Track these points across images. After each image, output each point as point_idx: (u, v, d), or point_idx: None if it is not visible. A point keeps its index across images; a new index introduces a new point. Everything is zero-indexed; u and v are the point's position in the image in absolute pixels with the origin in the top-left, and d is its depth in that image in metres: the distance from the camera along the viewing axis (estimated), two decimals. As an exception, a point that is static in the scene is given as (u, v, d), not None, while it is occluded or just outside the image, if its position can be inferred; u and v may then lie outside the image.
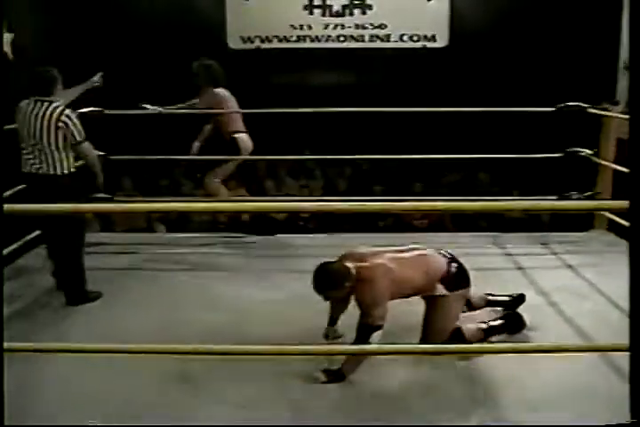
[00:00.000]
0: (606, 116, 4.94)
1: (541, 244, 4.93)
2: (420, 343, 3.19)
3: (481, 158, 5.46)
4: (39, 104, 3.75)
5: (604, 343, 3.00)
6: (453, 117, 5.62)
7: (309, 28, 6.51)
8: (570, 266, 4.45)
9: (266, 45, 6.52)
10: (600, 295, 3.90)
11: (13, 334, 3.12)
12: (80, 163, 4.00)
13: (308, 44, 6.56)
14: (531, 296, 3.85)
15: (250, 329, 3.40)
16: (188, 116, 5.13)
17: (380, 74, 6.77)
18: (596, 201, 4.45)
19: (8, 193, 4.00)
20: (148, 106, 4.97)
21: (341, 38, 6.57)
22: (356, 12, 6.53)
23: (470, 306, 3.43)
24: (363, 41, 6.58)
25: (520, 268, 4.42)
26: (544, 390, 2.87)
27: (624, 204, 1.65)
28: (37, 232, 4.33)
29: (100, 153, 5.02)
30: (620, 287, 1.83)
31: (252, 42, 6.52)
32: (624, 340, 1.69)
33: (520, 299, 3.56)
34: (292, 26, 6.49)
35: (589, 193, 5.00)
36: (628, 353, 1.63)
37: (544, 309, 3.74)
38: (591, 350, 2.79)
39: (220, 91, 4.96)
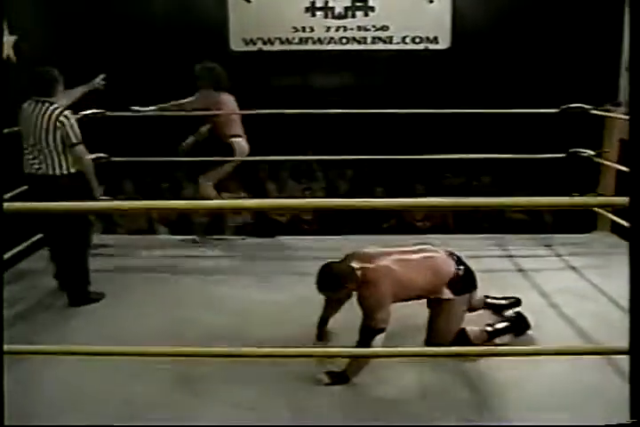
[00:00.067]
0: (609, 117, 4.94)
1: (544, 245, 4.93)
2: (425, 345, 3.18)
3: (483, 160, 5.45)
4: (39, 104, 3.76)
5: (605, 346, 3.00)
6: (456, 119, 5.60)
7: (312, 30, 6.51)
8: (573, 268, 4.45)
9: (268, 47, 6.52)
10: (603, 297, 3.89)
11: (16, 336, 3.14)
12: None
13: (310, 46, 6.55)
14: (534, 298, 3.85)
15: (252, 330, 3.40)
16: (190, 119, 5.13)
17: (383, 76, 6.75)
18: (596, 198, 4.43)
19: (9, 195, 4.00)
20: (140, 108, 4.95)
21: (344, 40, 6.56)
22: (359, 14, 6.52)
23: (469, 307, 3.41)
24: (365, 43, 6.57)
25: (523, 269, 4.42)
26: (546, 390, 2.87)
27: (624, 200, 1.65)
28: (40, 235, 4.33)
29: (102, 155, 5.06)
30: (623, 289, 1.82)
31: (255, 44, 6.51)
32: (627, 341, 1.68)
33: (516, 304, 3.54)
34: (294, 28, 6.49)
35: (592, 194, 5.00)
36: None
37: (547, 310, 3.73)
38: (591, 353, 2.78)
39: (221, 93, 4.95)
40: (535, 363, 2.89)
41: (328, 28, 6.51)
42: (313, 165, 6.92)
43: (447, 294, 3.13)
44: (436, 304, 3.19)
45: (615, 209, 4.42)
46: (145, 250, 4.93)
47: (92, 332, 3.45)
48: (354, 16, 6.51)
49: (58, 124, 3.71)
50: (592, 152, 5.00)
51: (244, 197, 5.82)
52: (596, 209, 4.90)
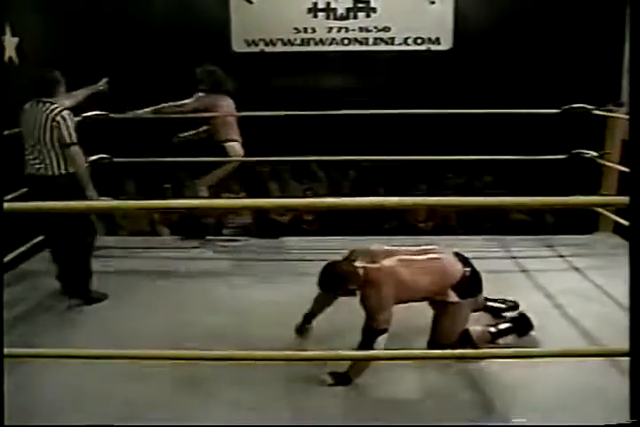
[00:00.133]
0: (611, 117, 4.93)
1: (547, 246, 4.92)
2: (428, 346, 3.17)
3: (485, 160, 5.45)
4: (40, 105, 3.77)
5: (605, 348, 2.99)
6: (458, 120, 5.60)
7: (313, 31, 6.51)
8: (576, 268, 4.44)
9: (270, 48, 6.52)
10: (606, 298, 3.88)
11: (17, 338, 3.15)
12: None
13: (312, 48, 6.55)
14: (537, 299, 3.85)
15: (252, 331, 3.40)
16: (192, 121, 5.12)
17: (385, 76, 6.75)
18: (596, 197, 4.42)
19: (11, 196, 4.00)
20: (136, 111, 4.94)
21: (345, 41, 6.56)
22: (360, 15, 6.53)
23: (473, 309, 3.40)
24: (367, 44, 6.57)
25: (526, 270, 4.41)
26: (549, 391, 2.87)
27: (624, 199, 1.64)
28: (42, 236, 4.33)
29: (105, 156, 5.06)
30: (626, 290, 1.82)
31: (256, 45, 6.52)
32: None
33: (515, 307, 3.53)
34: (296, 29, 6.49)
35: (594, 195, 4.98)
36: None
37: (550, 311, 3.73)
38: (592, 355, 2.78)
39: (220, 96, 4.94)
40: (539, 364, 2.88)
41: (330, 29, 6.51)
42: (314, 166, 6.92)
43: (453, 297, 3.10)
44: (441, 306, 3.17)
45: (617, 209, 4.41)
46: (147, 251, 4.93)
47: (93, 333, 3.45)
48: (356, 17, 6.51)
49: (54, 123, 3.71)
50: (594, 153, 4.99)
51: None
52: (598, 210, 4.89)
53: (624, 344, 1.76)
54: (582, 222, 5.18)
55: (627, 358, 1.70)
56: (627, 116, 4.63)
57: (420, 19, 6.43)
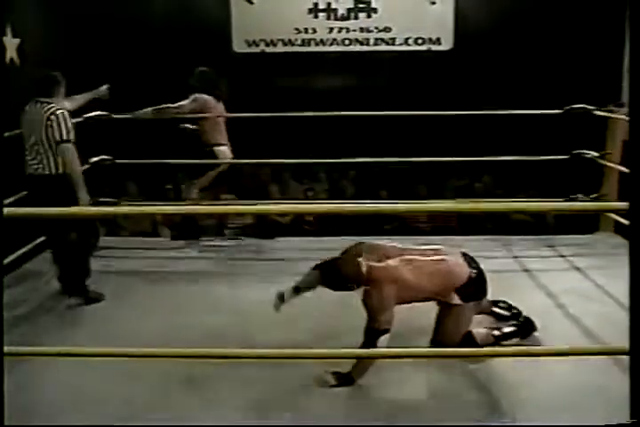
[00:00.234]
0: (612, 118, 4.93)
1: (548, 246, 4.92)
2: (431, 344, 3.16)
3: (486, 161, 5.45)
4: (38, 105, 3.78)
5: (606, 346, 2.99)
6: (459, 120, 5.60)
7: (314, 31, 6.52)
8: (577, 268, 4.44)
9: (270, 49, 6.52)
10: (607, 297, 3.88)
11: (18, 338, 3.15)
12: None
13: (313, 48, 6.56)
14: (539, 299, 3.85)
15: (253, 331, 3.40)
16: (191, 121, 5.13)
17: (385, 77, 6.76)
18: (596, 202, 4.42)
19: (13, 198, 4.00)
20: (136, 112, 4.94)
21: (346, 42, 6.57)
22: (361, 15, 6.53)
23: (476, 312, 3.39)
24: (368, 44, 6.58)
25: (527, 270, 4.41)
26: (552, 391, 2.86)
27: (624, 205, 1.64)
28: (43, 237, 4.33)
29: (106, 157, 5.06)
30: (627, 289, 1.82)
31: (257, 45, 6.52)
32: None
33: (517, 315, 3.51)
34: (296, 29, 6.50)
35: (595, 195, 4.99)
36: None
37: (552, 311, 3.73)
38: (592, 354, 2.77)
39: (209, 98, 4.94)
40: (541, 363, 2.88)
41: (331, 30, 6.52)
42: (315, 167, 6.92)
43: (455, 299, 3.08)
44: (444, 306, 3.16)
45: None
46: (148, 252, 4.93)
47: (94, 333, 3.45)
48: (356, 17, 6.52)
49: (49, 122, 3.71)
50: (595, 153, 4.99)
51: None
52: (600, 210, 4.88)
53: (625, 344, 1.76)
54: (583, 222, 5.17)
55: (627, 357, 1.69)
56: (627, 117, 4.63)
57: (421, 19, 6.44)
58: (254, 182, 6.55)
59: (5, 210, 1.76)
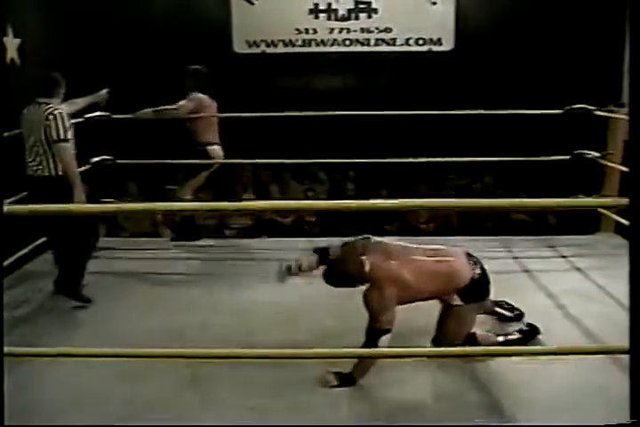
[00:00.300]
0: (613, 118, 4.93)
1: (548, 247, 4.91)
2: (432, 343, 3.15)
3: (487, 161, 5.44)
4: (37, 105, 3.78)
5: (606, 346, 2.99)
6: (459, 120, 5.60)
7: (315, 32, 6.52)
8: (578, 269, 4.43)
9: (271, 49, 6.52)
10: (608, 298, 3.88)
11: (18, 338, 3.15)
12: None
13: (313, 48, 6.56)
14: (540, 299, 3.85)
15: (253, 331, 3.40)
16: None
17: (386, 77, 6.76)
18: (596, 199, 4.41)
19: (13, 199, 4.00)
20: (137, 113, 4.94)
21: (347, 42, 6.57)
22: (362, 15, 6.54)
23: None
24: (368, 45, 6.58)
25: (528, 271, 4.40)
26: (551, 390, 2.87)
27: (624, 201, 1.64)
28: (45, 238, 4.33)
29: (107, 157, 5.06)
30: (628, 289, 1.82)
31: (258, 46, 6.53)
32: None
33: (520, 316, 3.51)
34: (297, 30, 6.50)
35: (596, 195, 4.98)
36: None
37: (552, 311, 3.72)
38: (593, 353, 2.77)
39: (203, 96, 4.94)
40: (543, 364, 2.87)
41: (331, 30, 6.53)
42: (315, 167, 6.92)
43: (456, 300, 3.06)
44: (447, 306, 3.15)
45: (618, 210, 4.40)
46: (148, 253, 4.93)
47: (94, 334, 3.45)
48: (357, 18, 6.53)
49: (47, 121, 3.72)
50: (596, 154, 4.99)
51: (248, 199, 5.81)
52: (600, 210, 4.88)
53: (625, 344, 1.76)
54: (584, 223, 5.17)
55: (627, 357, 1.69)
56: (628, 117, 4.63)
57: (422, 19, 6.44)
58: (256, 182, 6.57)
59: (5, 207, 1.76)
